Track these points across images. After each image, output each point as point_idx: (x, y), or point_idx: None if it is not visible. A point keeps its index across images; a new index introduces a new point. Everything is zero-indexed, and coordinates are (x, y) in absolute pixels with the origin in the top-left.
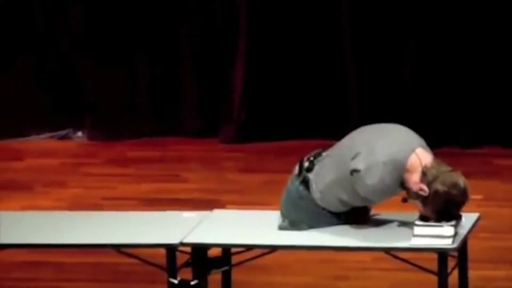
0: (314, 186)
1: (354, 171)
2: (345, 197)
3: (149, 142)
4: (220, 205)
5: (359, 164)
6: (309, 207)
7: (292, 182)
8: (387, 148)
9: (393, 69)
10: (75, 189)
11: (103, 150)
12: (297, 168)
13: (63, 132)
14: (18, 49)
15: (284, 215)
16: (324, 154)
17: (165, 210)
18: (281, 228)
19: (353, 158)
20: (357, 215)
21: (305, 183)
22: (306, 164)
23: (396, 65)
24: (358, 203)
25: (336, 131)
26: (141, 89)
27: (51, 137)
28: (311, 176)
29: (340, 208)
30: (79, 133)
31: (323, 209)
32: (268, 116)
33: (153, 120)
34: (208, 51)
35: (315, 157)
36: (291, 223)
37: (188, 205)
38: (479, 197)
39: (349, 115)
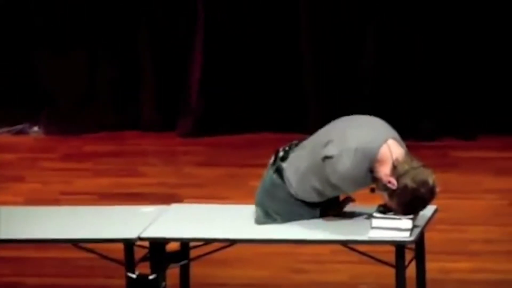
0: (287, 174)
1: (326, 158)
2: (317, 185)
3: (106, 136)
4: (178, 199)
5: (331, 150)
6: (283, 196)
7: (267, 172)
8: (359, 137)
9: (351, 61)
10: (32, 184)
11: (60, 144)
12: (272, 158)
13: (19, 127)
14: None
15: (258, 205)
16: (300, 144)
17: (123, 204)
18: (256, 221)
19: (326, 145)
20: (331, 207)
21: (279, 172)
22: (281, 153)
23: (355, 57)
24: (330, 192)
25: (294, 124)
26: (98, 83)
27: (8, 131)
28: (284, 165)
29: (314, 198)
30: (36, 128)
31: (297, 199)
32: (225, 110)
33: (111, 114)
34: (165, 45)
35: (291, 147)
36: (265, 213)
37: (146, 199)
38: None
39: (307, 109)
